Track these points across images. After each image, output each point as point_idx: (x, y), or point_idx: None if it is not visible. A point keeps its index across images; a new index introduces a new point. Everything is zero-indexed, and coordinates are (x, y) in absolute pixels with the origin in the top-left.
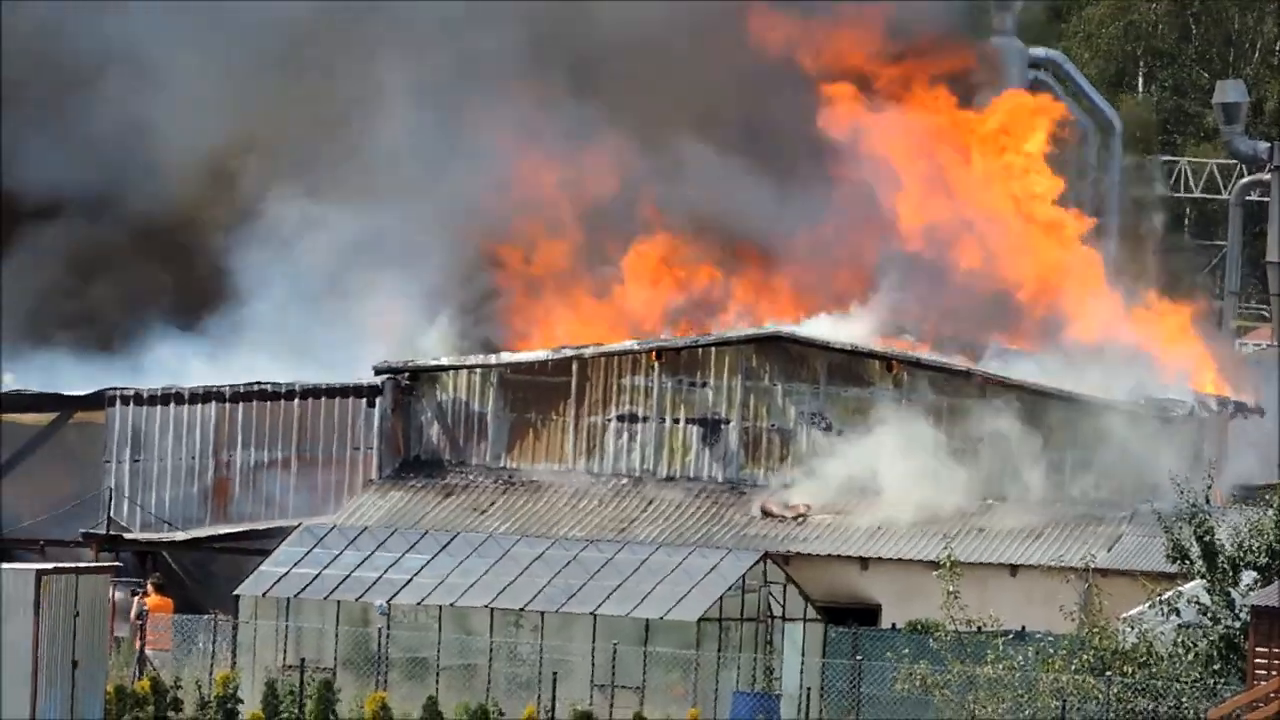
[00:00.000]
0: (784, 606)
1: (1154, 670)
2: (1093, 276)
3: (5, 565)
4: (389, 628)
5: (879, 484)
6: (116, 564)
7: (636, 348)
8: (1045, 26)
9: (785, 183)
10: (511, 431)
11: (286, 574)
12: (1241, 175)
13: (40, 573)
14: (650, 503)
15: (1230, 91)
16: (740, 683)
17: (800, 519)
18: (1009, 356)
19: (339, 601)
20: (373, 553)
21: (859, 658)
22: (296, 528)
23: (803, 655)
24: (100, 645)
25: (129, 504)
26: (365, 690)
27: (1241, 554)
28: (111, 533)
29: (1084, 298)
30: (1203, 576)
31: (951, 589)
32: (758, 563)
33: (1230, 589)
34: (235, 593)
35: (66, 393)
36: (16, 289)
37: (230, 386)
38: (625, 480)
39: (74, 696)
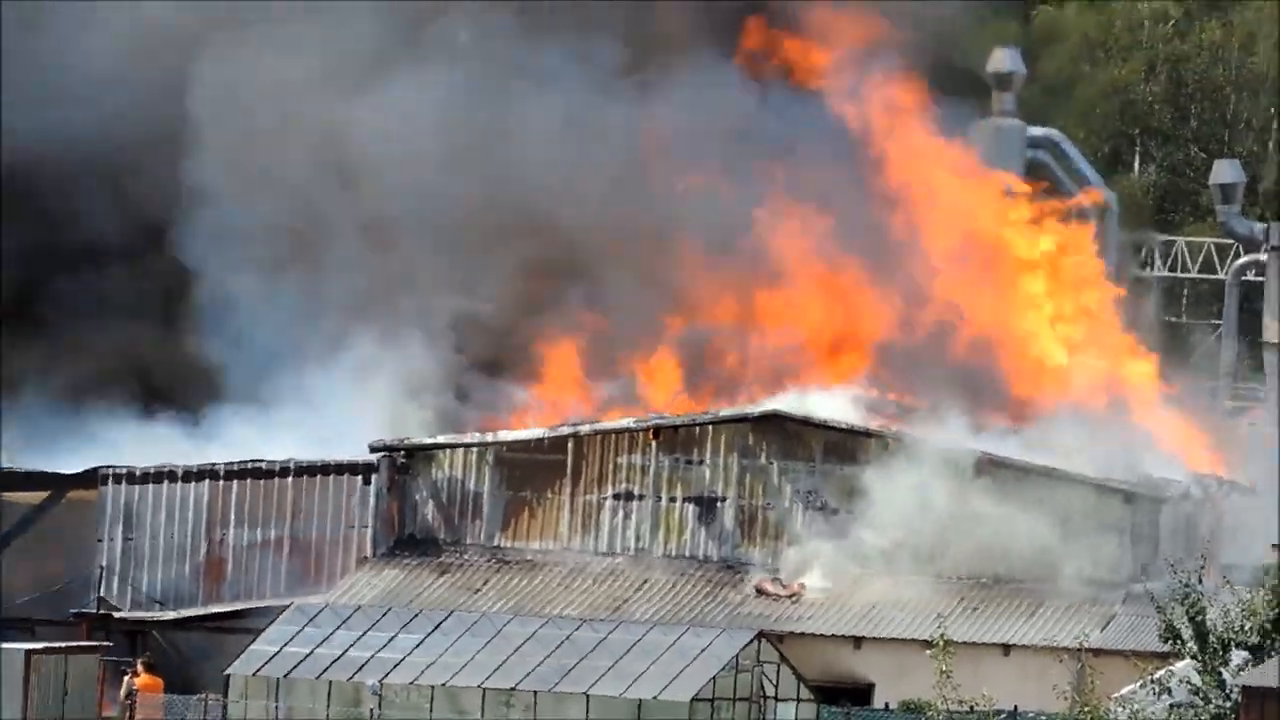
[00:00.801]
0: (777, 686)
1: None
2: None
3: None
4: (381, 708)
5: (873, 563)
6: (106, 644)
7: (633, 425)
8: (1041, 105)
9: None
10: (506, 510)
11: (278, 653)
12: (1238, 255)
13: (30, 652)
14: (645, 581)
15: (1226, 171)
16: None
17: (794, 598)
18: (1007, 435)
19: (331, 681)
20: (366, 632)
21: None
22: (288, 606)
23: None
24: None
25: (120, 583)
26: None
27: (1233, 634)
28: (102, 612)
29: (1093, 374)
30: (1194, 656)
31: (944, 668)
32: (751, 642)
33: (1221, 669)
34: (225, 671)
35: (59, 471)
36: None
37: (224, 464)
38: (620, 559)
39: None
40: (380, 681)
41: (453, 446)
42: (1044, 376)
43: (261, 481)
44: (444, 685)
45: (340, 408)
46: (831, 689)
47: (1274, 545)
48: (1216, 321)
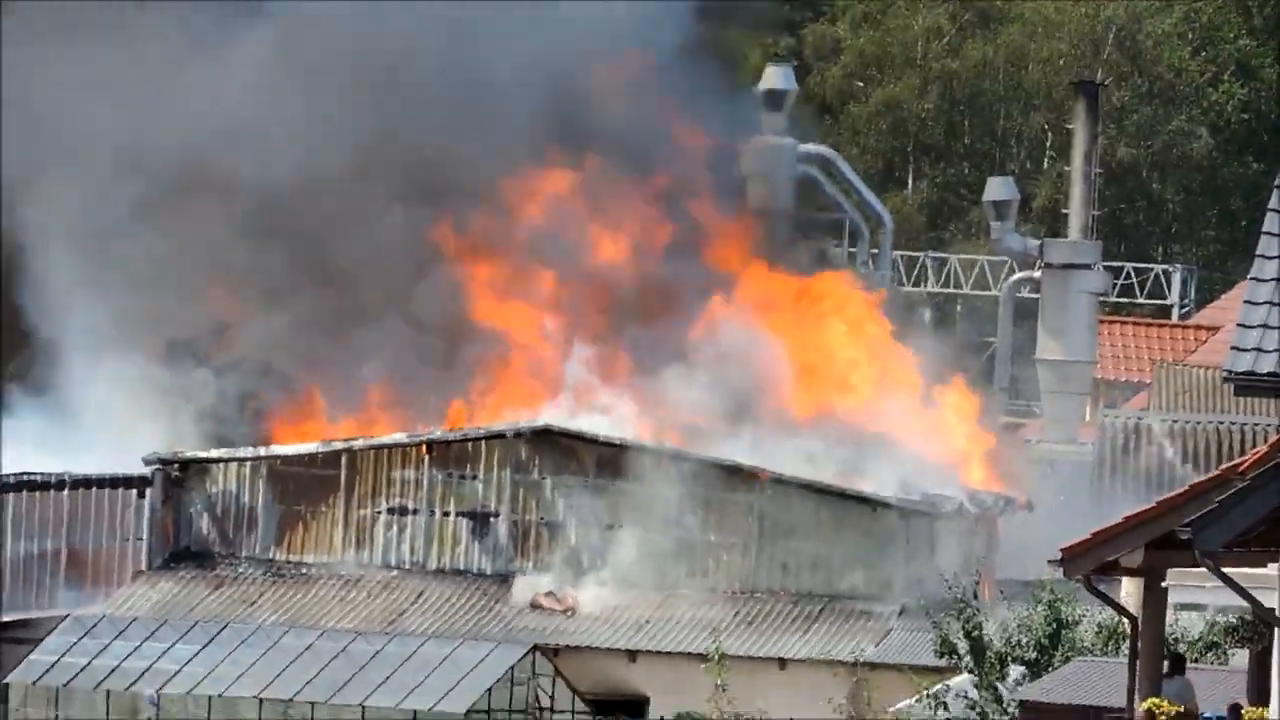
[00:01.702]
0: (553, 699)
1: None
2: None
3: None
4: (158, 718)
5: (648, 577)
6: None
7: (406, 440)
8: (814, 124)
9: None
10: (281, 523)
11: (56, 663)
12: (1012, 271)
13: None
14: (420, 595)
15: (999, 189)
16: None
17: (569, 612)
18: (784, 447)
19: (109, 690)
20: (142, 643)
21: None
22: (66, 617)
23: None
24: None
25: None
26: None
27: (1010, 649)
28: None
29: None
30: (970, 671)
31: (719, 681)
32: (526, 655)
33: (998, 683)
34: (4, 681)
35: None
36: None
37: None
38: (395, 572)
39: None
40: (158, 692)
41: (227, 461)
42: (821, 393)
43: (37, 494)
44: (220, 695)
45: (109, 420)
46: (607, 702)
47: (1050, 561)
48: (990, 339)
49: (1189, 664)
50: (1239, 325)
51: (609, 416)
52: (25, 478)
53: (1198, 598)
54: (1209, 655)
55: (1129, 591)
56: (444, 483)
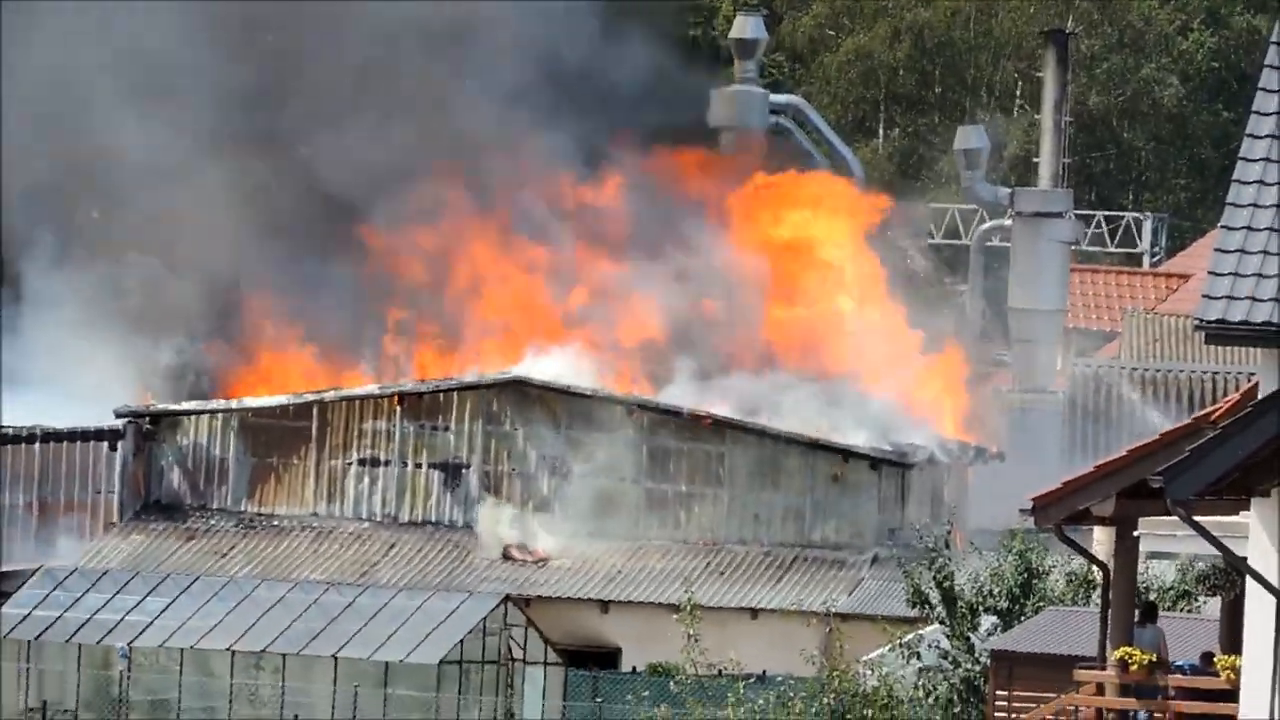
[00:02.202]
0: (525, 649)
1: (895, 713)
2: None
3: None
4: (130, 670)
5: (619, 527)
6: None
7: (378, 392)
8: (785, 73)
9: None
10: (253, 475)
11: (27, 616)
12: (983, 220)
13: None
14: (392, 546)
15: (971, 137)
16: None
17: (541, 563)
18: (755, 399)
19: (80, 644)
20: (114, 595)
21: (599, 700)
22: (37, 570)
23: (544, 698)
24: None
25: None
26: None
27: (981, 598)
28: None
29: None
30: (942, 621)
31: (692, 632)
32: (498, 606)
33: (970, 633)
34: None
35: None
36: None
37: None
38: (366, 524)
39: None
40: (129, 645)
41: (198, 413)
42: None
43: (8, 447)
44: (192, 648)
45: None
46: (579, 653)
47: (1021, 510)
48: (962, 286)
49: (1160, 613)
50: (1210, 273)
51: (576, 363)
52: None
53: (1169, 546)
54: (1180, 604)
55: (1100, 540)
56: (415, 434)
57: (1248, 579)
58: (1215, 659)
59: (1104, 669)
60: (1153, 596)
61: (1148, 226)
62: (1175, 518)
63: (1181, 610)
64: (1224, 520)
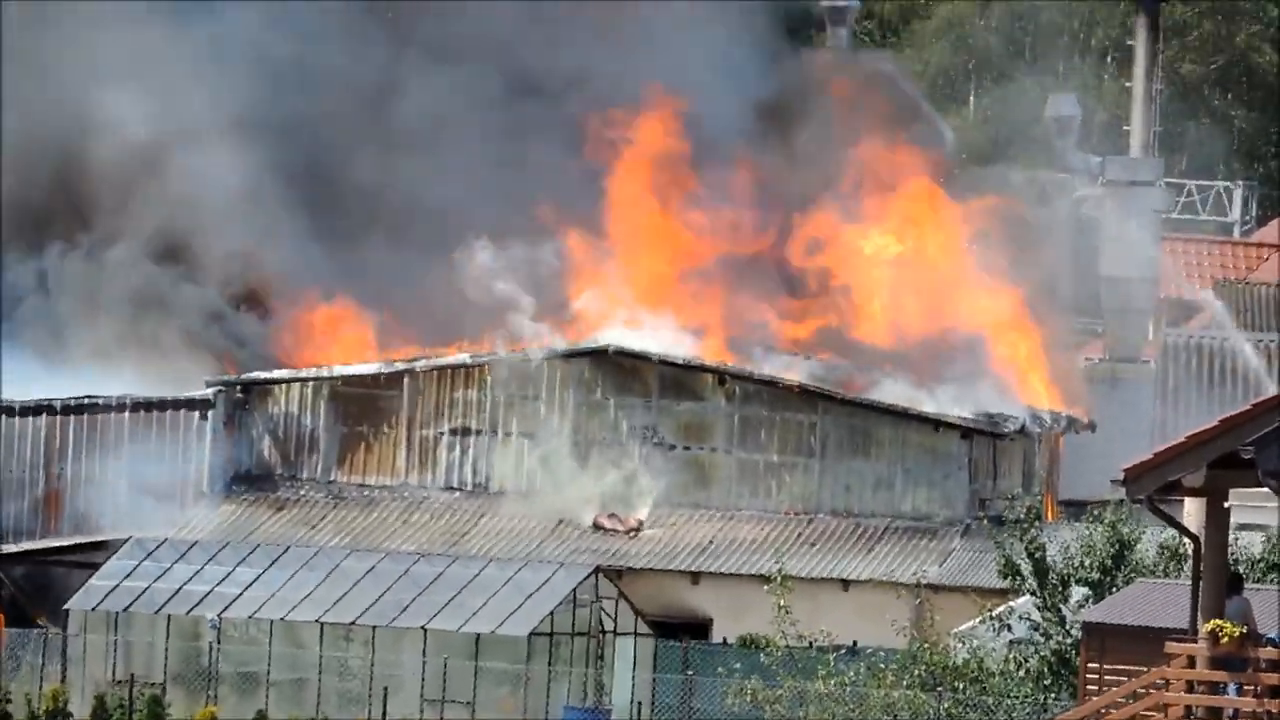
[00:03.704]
0: (615, 621)
1: (985, 686)
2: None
3: None
4: (219, 641)
5: (711, 499)
6: None
7: (469, 361)
8: (877, 42)
9: None
10: (343, 445)
11: (116, 587)
12: (1074, 189)
13: None
14: (482, 516)
15: (1062, 105)
16: (571, 697)
17: (632, 533)
18: (848, 370)
19: (169, 615)
20: (203, 566)
21: (690, 673)
22: (127, 541)
23: (634, 670)
24: None
25: None
26: (195, 704)
27: (1072, 570)
28: None
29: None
30: (1033, 593)
31: (782, 604)
32: (589, 577)
33: (1061, 605)
34: (65, 606)
35: None
36: None
37: (60, 400)
38: (457, 494)
39: None
40: (219, 616)
41: (289, 382)
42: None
43: (99, 416)
44: (282, 619)
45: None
46: (669, 624)
47: (1113, 481)
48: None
49: (1247, 585)
50: None
51: (673, 333)
52: (87, 400)
53: (1260, 518)
54: (1270, 576)
55: (1190, 512)
56: (505, 404)
57: None
58: None
59: (1195, 641)
60: (1241, 568)
61: (1238, 195)
62: (1266, 489)
63: (1271, 581)
64: None
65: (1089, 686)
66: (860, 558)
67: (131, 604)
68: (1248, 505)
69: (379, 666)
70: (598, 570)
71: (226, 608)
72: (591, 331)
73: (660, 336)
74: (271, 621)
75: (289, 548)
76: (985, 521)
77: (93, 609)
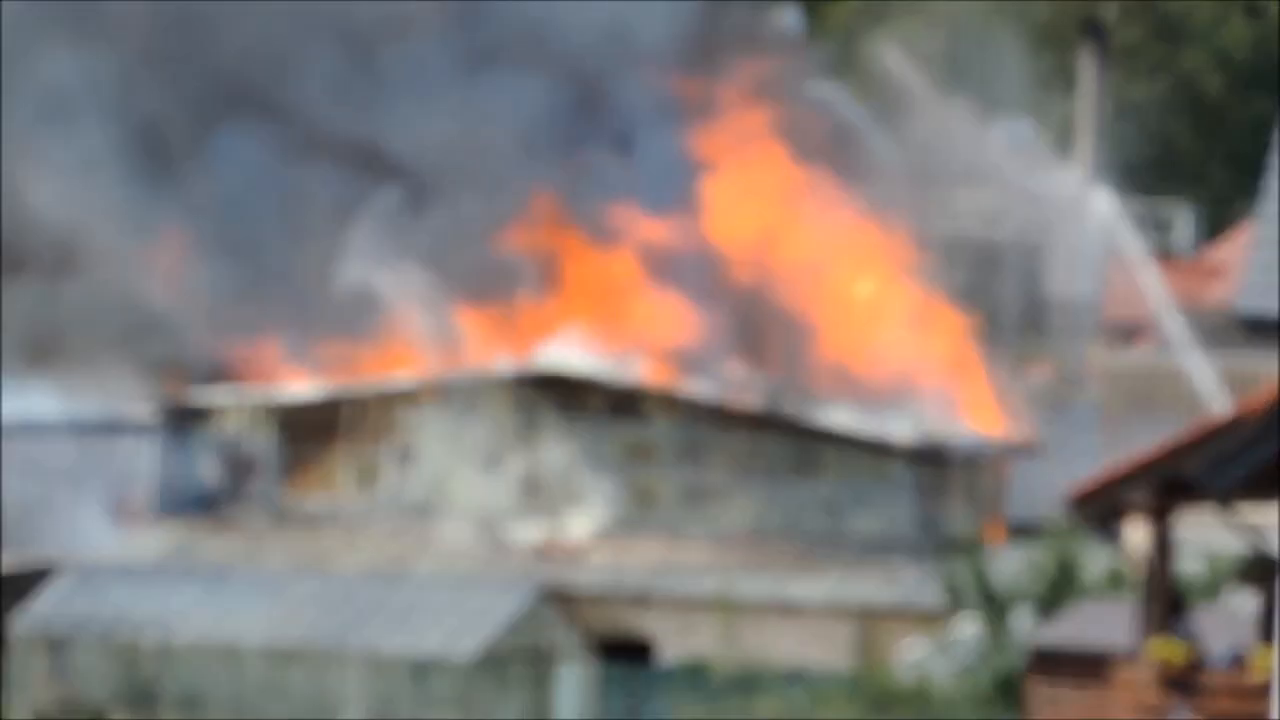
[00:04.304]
0: (560, 644)
1: (931, 708)
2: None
3: None
4: (162, 665)
5: (657, 520)
6: None
7: (414, 384)
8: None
9: None
10: (287, 467)
11: (56, 610)
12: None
13: None
14: (425, 539)
15: (1009, 127)
16: None
17: (576, 556)
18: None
19: (111, 639)
20: (146, 589)
21: (632, 701)
22: (68, 564)
23: (578, 694)
24: None
25: None
26: None
27: (1019, 592)
28: None
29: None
30: (980, 616)
31: (727, 626)
32: (533, 600)
33: (1005, 627)
34: (2, 632)
35: None
36: None
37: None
38: (400, 515)
39: None
40: (161, 639)
41: (232, 404)
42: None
43: (39, 437)
44: (225, 643)
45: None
46: (614, 647)
47: (1058, 504)
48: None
49: (1191, 606)
50: (1248, 265)
51: (612, 356)
52: (25, 420)
53: (1206, 538)
54: (1210, 597)
55: (1135, 532)
56: (449, 425)
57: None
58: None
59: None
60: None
61: (1184, 218)
62: (1211, 510)
63: (1210, 604)
64: (1261, 514)
65: (1034, 707)
66: (806, 581)
67: (72, 628)
68: (1194, 526)
69: (321, 690)
70: (542, 593)
71: (169, 631)
72: (535, 352)
73: (603, 358)
74: (214, 645)
75: (233, 570)
76: (932, 545)
77: (33, 632)
